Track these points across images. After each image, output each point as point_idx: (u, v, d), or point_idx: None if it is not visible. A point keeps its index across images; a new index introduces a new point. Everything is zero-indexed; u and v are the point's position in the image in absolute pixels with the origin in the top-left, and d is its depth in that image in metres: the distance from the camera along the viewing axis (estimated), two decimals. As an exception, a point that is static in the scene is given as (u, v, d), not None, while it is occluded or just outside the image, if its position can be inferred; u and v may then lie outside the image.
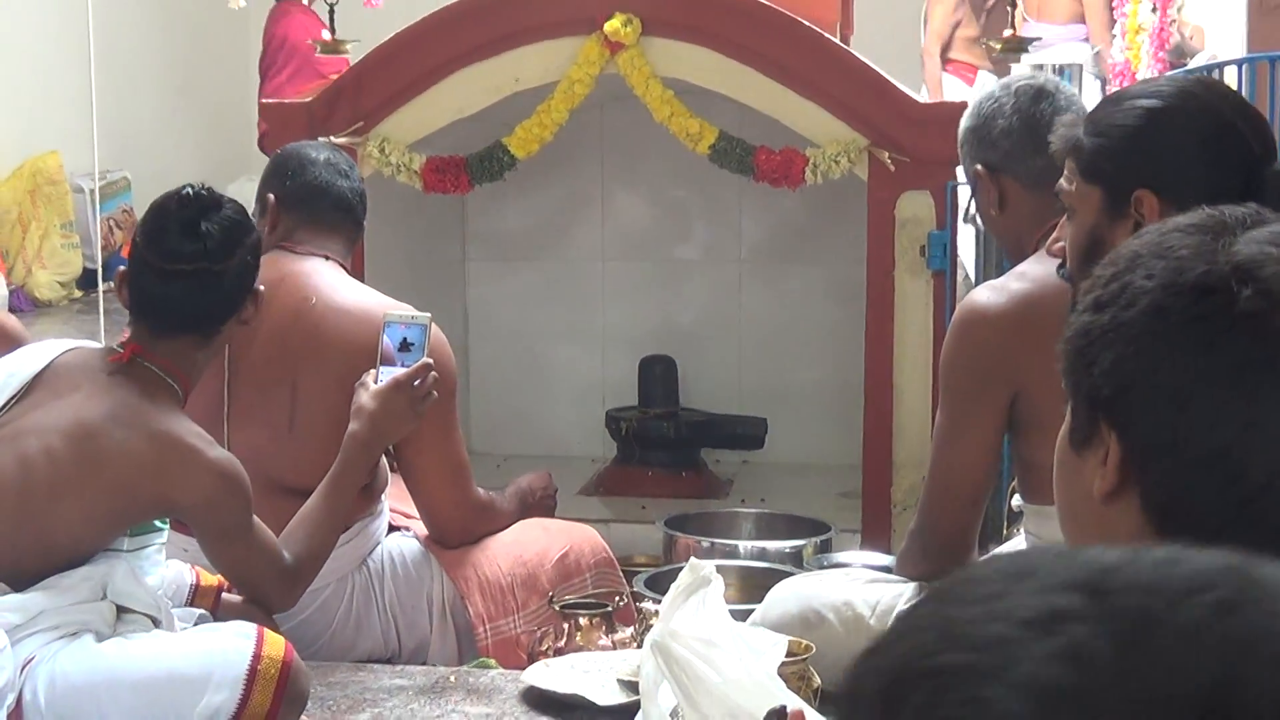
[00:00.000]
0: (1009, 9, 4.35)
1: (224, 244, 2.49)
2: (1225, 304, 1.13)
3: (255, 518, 2.55)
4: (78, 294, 7.24)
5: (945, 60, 8.02)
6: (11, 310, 5.53)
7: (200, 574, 2.77)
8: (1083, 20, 7.06)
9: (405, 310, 2.94)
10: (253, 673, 2.38)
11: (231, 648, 2.42)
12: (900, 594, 2.64)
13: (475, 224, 5.27)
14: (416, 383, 2.84)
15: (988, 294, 2.53)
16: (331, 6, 4.52)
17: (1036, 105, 2.68)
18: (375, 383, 2.83)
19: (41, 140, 7.19)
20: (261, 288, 2.60)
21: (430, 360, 2.86)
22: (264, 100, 4.05)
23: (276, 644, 2.45)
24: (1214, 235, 1.17)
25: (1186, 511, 1.16)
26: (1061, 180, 2.11)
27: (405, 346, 2.86)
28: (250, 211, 2.76)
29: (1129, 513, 1.18)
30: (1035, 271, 2.50)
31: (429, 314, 2.92)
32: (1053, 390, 2.34)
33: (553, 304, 5.27)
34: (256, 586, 2.67)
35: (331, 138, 4.06)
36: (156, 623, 2.49)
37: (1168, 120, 2.02)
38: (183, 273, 2.48)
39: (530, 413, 5.23)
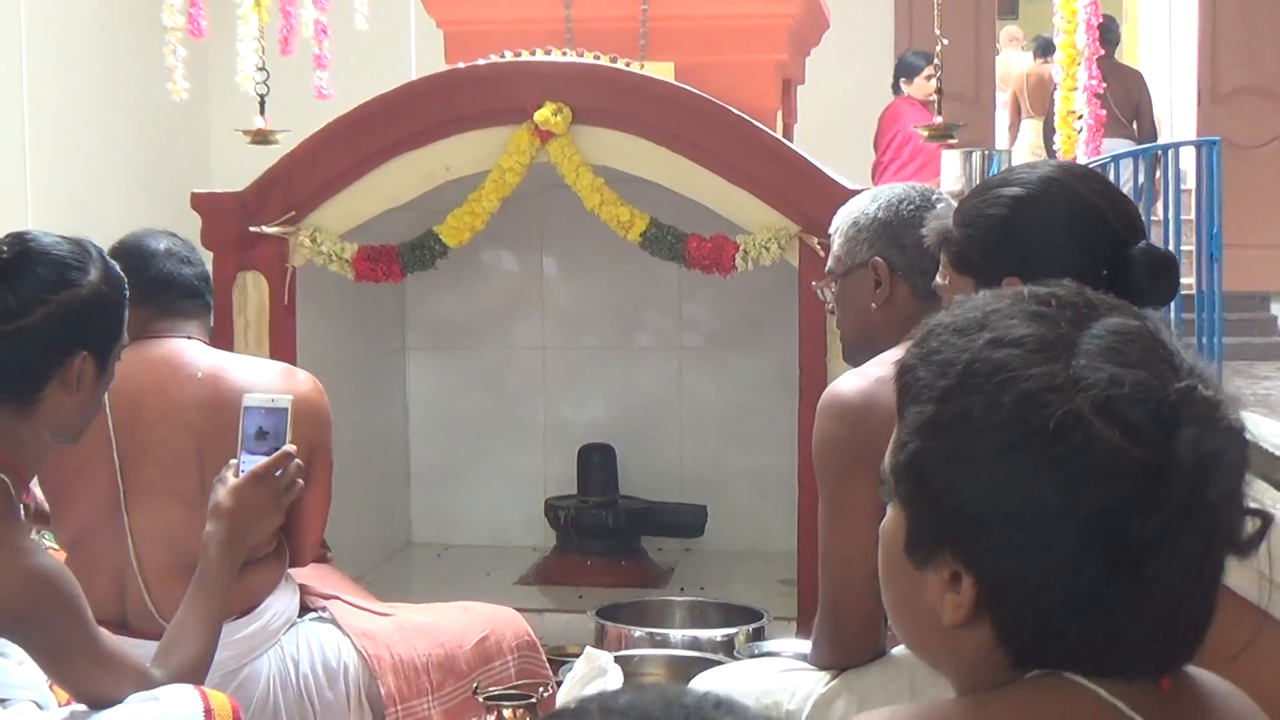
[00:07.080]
0: (936, 94, 4.39)
1: (17, 300, 2.24)
2: (1086, 443, 1.10)
3: (102, 634, 2.31)
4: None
5: None
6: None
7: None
8: None
9: (264, 395, 2.74)
10: None
11: (181, 709, 2.31)
12: (819, 680, 2.62)
13: (415, 313, 5.28)
14: (279, 473, 2.64)
15: (849, 379, 2.50)
16: (262, 97, 4.55)
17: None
18: (235, 475, 2.64)
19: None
20: (118, 350, 2.40)
21: (292, 448, 2.65)
22: (195, 191, 4.05)
23: (221, 701, 2.37)
24: (1049, 354, 1.13)
25: (1052, 646, 1.15)
26: (937, 276, 2.12)
27: (261, 434, 2.66)
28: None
29: (979, 638, 1.18)
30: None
31: (290, 396, 2.72)
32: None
33: (493, 393, 5.27)
34: None
35: (264, 228, 4.08)
36: (40, 706, 2.43)
37: (1032, 207, 2.05)
38: None
39: (471, 502, 5.21)
